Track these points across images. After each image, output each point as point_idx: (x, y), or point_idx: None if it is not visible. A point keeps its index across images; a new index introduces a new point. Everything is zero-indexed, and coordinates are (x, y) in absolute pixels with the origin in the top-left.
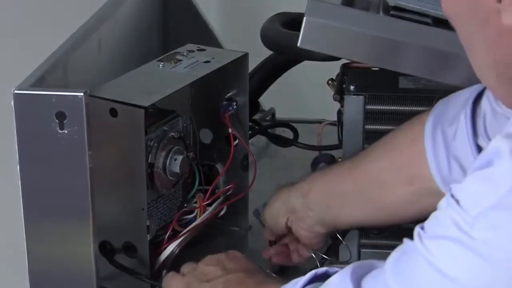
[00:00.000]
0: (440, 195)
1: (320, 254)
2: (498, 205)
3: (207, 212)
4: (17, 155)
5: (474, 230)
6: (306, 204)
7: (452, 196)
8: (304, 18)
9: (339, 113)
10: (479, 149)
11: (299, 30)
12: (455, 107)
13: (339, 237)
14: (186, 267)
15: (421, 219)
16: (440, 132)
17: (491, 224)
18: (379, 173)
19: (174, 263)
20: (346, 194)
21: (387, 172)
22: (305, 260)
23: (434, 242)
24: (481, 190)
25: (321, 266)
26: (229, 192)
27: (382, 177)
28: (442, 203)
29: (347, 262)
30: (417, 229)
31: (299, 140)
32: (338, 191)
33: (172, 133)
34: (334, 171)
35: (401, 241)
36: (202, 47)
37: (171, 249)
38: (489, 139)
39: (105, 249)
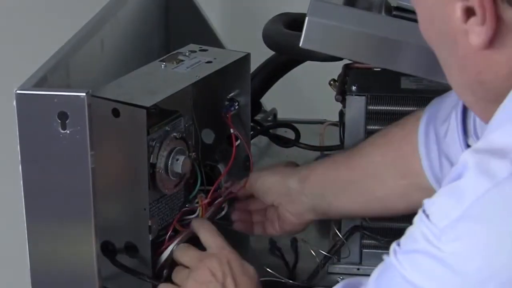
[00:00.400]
0: (430, 190)
1: (323, 252)
2: (463, 216)
3: (211, 209)
4: (19, 155)
5: (442, 242)
6: (301, 190)
7: (424, 211)
8: (306, 18)
9: (341, 114)
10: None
11: (301, 31)
12: (447, 107)
13: (341, 237)
14: (177, 276)
15: (410, 213)
16: (433, 131)
17: (458, 235)
18: (373, 166)
19: (175, 263)
20: (341, 183)
21: (380, 165)
22: (266, 235)
23: (406, 256)
24: (448, 203)
25: (323, 265)
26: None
27: (376, 170)
28: (415, 218)
29: (346, 260)
30: (393, 245)
31: (301, 141)
32: (333, 179)
33: (174, 133)
34: (333, 159)
35: None
36: (204, 47)
37: (171, 248)
38: (478, 139)
39: (107, 249)
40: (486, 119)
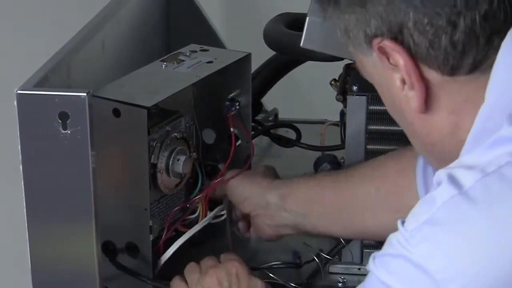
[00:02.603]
0: None
1: (323, 255)
2: (430, 220)
3: (210, 215)
4: (20, 156)
5: (410, 244)
6: (282, 205)
7: (402, 220)
8: (307, 18)
9: (342, 114)
10: None
11: (301, 31)
12: None
13: (343, 242)
14: (189, 276)
15: None
16: (431, 170)
17: (424, 237)
18: (365, 198)
19: (177, 263)
20: (327, 208)
21: (373, 198)
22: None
23: (381, 260)
24: (420, 210)
25: (324, 267)
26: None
27: (369, 202)
28: None
29: (347, 260)
30: (374, 253)
31: (301, 141)
32: (318, 202)
33: (175, 133)
34: (317, 181)
35: None
36: (205, 47)
37: (173, 250)
38: None
39: (108, 249)
40: None
